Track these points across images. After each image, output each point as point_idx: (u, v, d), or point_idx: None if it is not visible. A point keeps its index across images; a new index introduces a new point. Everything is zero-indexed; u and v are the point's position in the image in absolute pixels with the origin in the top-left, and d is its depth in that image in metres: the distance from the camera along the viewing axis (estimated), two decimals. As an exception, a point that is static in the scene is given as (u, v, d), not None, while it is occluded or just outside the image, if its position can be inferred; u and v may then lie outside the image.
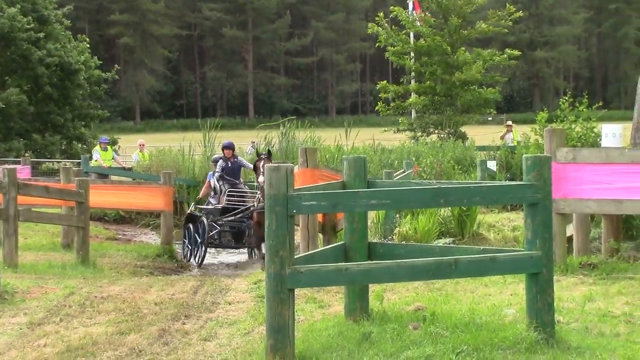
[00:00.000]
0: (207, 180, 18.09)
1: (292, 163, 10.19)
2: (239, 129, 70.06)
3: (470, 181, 14.88)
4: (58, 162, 31.82)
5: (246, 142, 32.27)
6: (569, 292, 7.95)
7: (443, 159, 21.05)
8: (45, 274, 11.33)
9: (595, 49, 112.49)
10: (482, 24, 35.68)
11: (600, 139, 11.23)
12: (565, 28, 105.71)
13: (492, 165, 21.55)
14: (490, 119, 44.62)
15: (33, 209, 15.53)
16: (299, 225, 11.32)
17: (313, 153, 11.83)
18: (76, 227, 13.64)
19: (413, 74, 36.09)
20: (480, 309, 7.07)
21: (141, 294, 9.21)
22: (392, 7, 36.36)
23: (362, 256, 6.61)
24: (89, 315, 8.01)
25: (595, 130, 12.66)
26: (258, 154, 15.58)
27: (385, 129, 35.55)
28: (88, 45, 38.98)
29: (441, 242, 12.31)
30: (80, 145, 36.58)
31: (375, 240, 9.92)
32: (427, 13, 35.87)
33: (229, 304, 8.52)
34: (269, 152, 15.86)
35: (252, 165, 16.41)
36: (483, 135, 34.69)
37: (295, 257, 5.73)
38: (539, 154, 7.25)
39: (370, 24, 37.04)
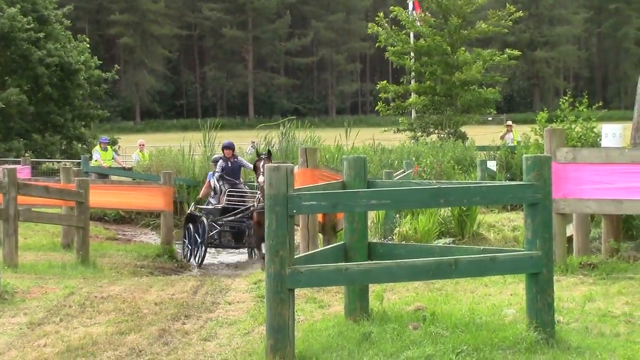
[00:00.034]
0: (207, 180, 18.09)
1: (292, 163, 10.20)
2: (239, 129, 70.04)
3: (470, 181, 14.88)
4: (58, 162, 31.82)
5: (246, 142, 32.27)
6: (569, 292, 7.95)
7: (443, 159, 21.05)
8: (45, 274, 11.33)
9: (595, 49, 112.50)
10: (482, 24, 35.67)
11: (600, 139, 11.23)
12: (565, 28, 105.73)
13: (492, 165, 21.54)
14: (490, 119, 44.62)
15: (33, 209, 15.54)
16: (299, 225, 11.32)
17: (313, 153, 11.83)
18: (76, 227, 13.64)
19: (413, 74, 36.09)
20: (480, 309, 7.07)
21: (141, 294, 9.21)
22: (392, 7, 36.36)
23: (362, 256, 6.61)
24: (89, 315, 8.01)
25: (595, 130, 12.65)
26: (258, 154, 15.58)
27: (385, 129, 35.54)
28: (88, 45, 38.97)
29: (441, 242, 12.31)
30: (80, 145, 36.58)
31: (375, 240, 9.92)
32: (427, 13, 35.87)
33: (229, 304, 8.52)
34: (269, 152, 15.85)
35: (252, 165, 16.39)
36: (483, 135, 34.69)
37: (295, 257, 5.72)
38: (539, 154, 7.25)
39: (370, 24, 37.04)
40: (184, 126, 77.84)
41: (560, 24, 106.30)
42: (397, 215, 13.34)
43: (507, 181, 17.55)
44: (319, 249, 8.00)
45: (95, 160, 24.14)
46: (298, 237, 10.97)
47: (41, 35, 35.08)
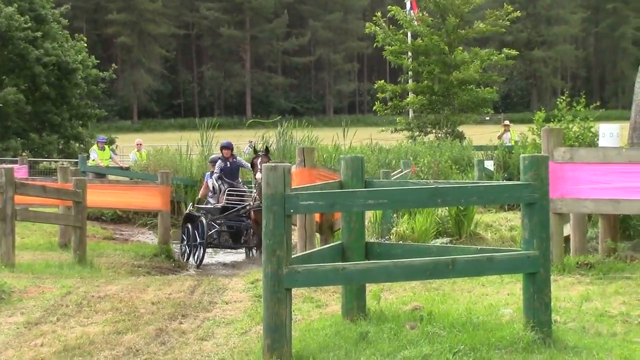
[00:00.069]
0: (205, 180, 18.08)
1: (290, 163, 10.20)
2: (236, 129, 69.79)
3: (467, 181, 14.88)
4: (55, 161, 31.80)
5: (244, 141, 32.25)
6: (566, 291, 7.95)
7: (440, 159, 21.05)
8: (42, 274, 11.32)
9: (593, 49, 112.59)
10: (480, 24, 35.71)
11: (598, 139, 11.24)
12: (562, 28, 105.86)
13: (489, 165, 21.53)
14: (487, 118, 44.66)
15: (30, 209, 15.52)
16: (296, 225, 11.31)
17: (310, 153, 11.82)
18: (73, 227, 13.62)
19: (410, 73, 36.11)
20: (477, 308, 7.07)
21: (138, 294, 9.20)
22: (389, 7, 36.34)
23: (359, 256, 6.61)
24: (86, 314, 8.01)
25: (592, 129, 12.65)
26: (255, 151, 15.60)
27: (383, 128, 35.54)
28: (85, 45, 38.93)
29: (438, 241, 12.30)
30: (77, 144, 36.57)
31: (372, 240, 9.93)
32: (424, 12, 35.90)
33: (226, 303, 8.52)
34: (267, 149, 15.89)
35: (250, 165, 16.40)
36: (480, 134, 34.70)
37: (293, 256, 5.72)
38: (536, 154, 7.25)
39: (367, 24, 37.03)
40: (181, 125, 77.84)
41: (558, 23, 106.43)
42: (395, 215, 13.34)
43: (504, 181, 17.56)
44: (316, 249, 8.00)
45: (93, 160, 24.13)
46: (295, 237, 10.97)
47: (38, 34, 35.06)
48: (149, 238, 20.20)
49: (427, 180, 11.84)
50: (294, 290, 6.25)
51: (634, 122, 10.81)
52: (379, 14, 36.09)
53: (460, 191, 6.15)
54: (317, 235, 11.91)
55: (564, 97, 14.30)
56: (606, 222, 9.79)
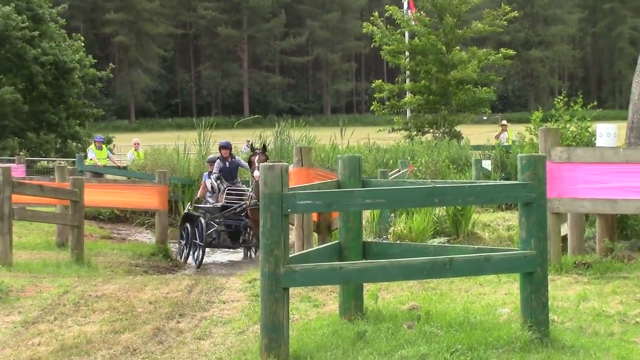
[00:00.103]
0: (203, 181, 18.07)
1: (287, 162, 10.19)
2: (234, 128, 69.91)
3: (465, 180, 14.89)
4: (53, 160, 31.74)
5: (241, 141, 32.22)
6: (564, 291, 7.96)
7: (438, 158, 21.04)
8: (39, 273, 11.32)
9: (590, 49, 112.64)
10: (477, 24, 35.68)
11: (595, 139, 11.24)
12: (560, 28, 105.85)
13: (487, 164, 21.52)
14: (485, 118, 44.66)
15: (28, 208, 15.51)
16: (293, 225, 11.31)
17: (308, 152, 11.82)
18: (71, 226, 13.61)
19: (408, 73, 36.08)
20: (474, 308, 7.08)
21: (136, 293, 9.20)
22: (387, 7, 36.30)
23: (356, 255, 6.61)
24: (84, 314, 8.01)
25: (589, 129, 12.65)
26: (253, 149, 15.60)
27: (380, 128, 35.52)
28: (83, 44, 38.87)
29: (436, 241, 12.32)
30: (75, 143, 36.51)
31: (370, 240, 9.93)
32: (422, 12, 35.86)
33: (224, 302, 8.52)
34: (264, 147, 15.89)
35: (247, 163, 16.39)
36: (478, 134, 34.73)
37: (290, 256, 5.73)
38: (533, 154, 7.27)
39: (365, 24, 36.99)
40: (178, 125, 77.68)
41: (555, 23, 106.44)
42: (392, 215, 13.34)
43: (501, 180, 17.56)
44: (313, 248, 8.00)
45: (90, 159, 24.10)
46: (293, 236, 10.97)
47: (36, 33, 35.00)
48: (147, 237, 20.19)
49: (425, 180, 11.85)
50: (292, 290, 6.26)
51: (631, 122, 10.82)
52: (376, 13, 36.06)
53: (458, 191, 6.15)
54: (315, 234, 11.92)
55: (561, 97, 14.29)
56: (603, 221, 9.79)
